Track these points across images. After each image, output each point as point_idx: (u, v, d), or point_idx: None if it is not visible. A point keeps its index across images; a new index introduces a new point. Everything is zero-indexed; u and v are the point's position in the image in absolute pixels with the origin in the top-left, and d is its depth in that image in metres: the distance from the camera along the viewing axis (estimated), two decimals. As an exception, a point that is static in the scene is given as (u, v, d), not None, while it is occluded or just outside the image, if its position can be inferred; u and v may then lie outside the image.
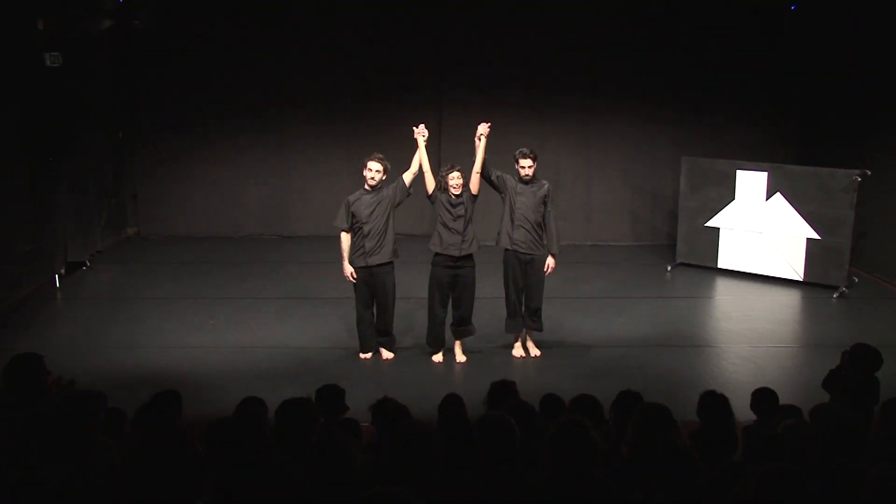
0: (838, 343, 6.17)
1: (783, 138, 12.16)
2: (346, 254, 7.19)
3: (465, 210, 7.09)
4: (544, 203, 7.25)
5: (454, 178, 7.01)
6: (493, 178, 7.23)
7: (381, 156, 7.19)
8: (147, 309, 8.85)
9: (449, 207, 7.06)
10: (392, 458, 3.35)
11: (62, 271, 9.89)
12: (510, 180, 7.26)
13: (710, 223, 10.66)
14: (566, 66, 12.00)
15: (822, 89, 11.57)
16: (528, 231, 7.22)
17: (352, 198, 7.20)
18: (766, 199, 10.17)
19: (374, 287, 7.25)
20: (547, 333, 7.81)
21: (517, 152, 7.26)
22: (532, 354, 7.53)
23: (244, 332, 8.10)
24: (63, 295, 9.47)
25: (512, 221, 7.22)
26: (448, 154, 12.22)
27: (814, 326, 8.72)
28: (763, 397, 4.80)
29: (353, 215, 7.14)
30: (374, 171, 7.10)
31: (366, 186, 7.18)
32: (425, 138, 7.18)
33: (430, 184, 7.11)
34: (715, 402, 4.22)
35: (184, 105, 12.10)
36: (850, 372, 5.09)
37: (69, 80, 9.87)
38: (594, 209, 12.49)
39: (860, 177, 9.46)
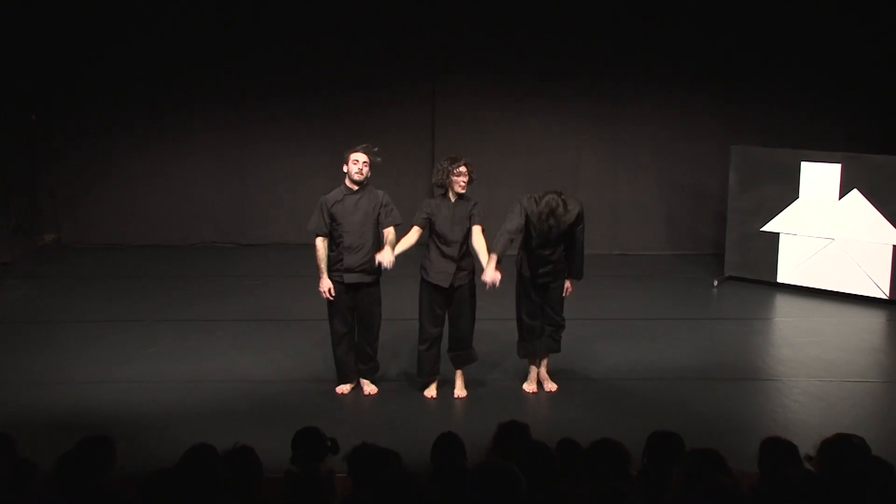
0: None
1: (860, 122, 12.14)
2: (323, 264, 7.17)
3: (463, 234, 7.10)
4: (573, 227, 7.19)
5: (462, 175, 7.01)
6: (511, 241, 7.10)
7: (372, 148, 7.13)
8: (69, 334, 8.80)
9: (444, 230, 7.07)
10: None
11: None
12: (528, 216, 7.07)
13: (768, 227, 10.66)
14: (585, 43, 12.04)
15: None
16: (554, 261, 7.24)
17: (330, 197, 7.16)
18: (839, 198, 10.17)
19: (355, 301, 7.26)
20: (566, 363, 7.80)
21: (543, 209, 6.88)
22: (547, 389, 7.52)
23: (193, 363, 8.05)
24: (-41, 317, 9.43)
25: (532, 256, 7.21)
26: (441, 150, 12.19)
27: (902, 356, 8.73)
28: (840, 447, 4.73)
29: (333, 218, 7.13)
30: (360, 162, 7.08)
31: (348, 183, 7.15)
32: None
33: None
34: (779, 451, 4.19)
35: (118, 83, 12.11)
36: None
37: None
38: (622, 211, 12.50)
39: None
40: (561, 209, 6.87)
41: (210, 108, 12.29)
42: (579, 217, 7.11)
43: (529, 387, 7.51)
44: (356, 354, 7.40)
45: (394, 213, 7.20)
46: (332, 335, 7.36)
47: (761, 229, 10.70)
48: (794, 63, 12.02)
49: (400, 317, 8.20)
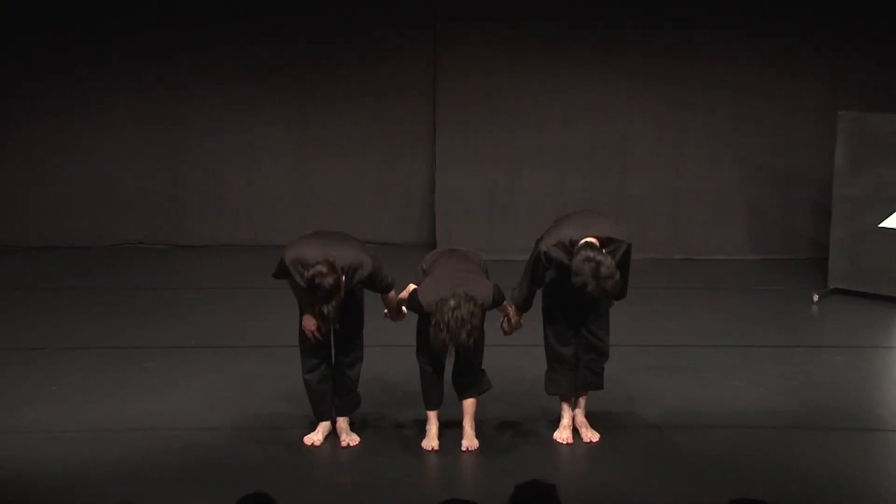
0: None
1: None
2: (302, 300, 7.22)
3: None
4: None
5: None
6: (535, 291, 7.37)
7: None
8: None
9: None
10: None
11: None
12: (560, 263, 7.13)
13: (888, 223, 10.67)
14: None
15: None
16: None
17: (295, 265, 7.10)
18: None
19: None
20: (611, 404, 7.81)
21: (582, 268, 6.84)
22: (586, 439, 7.50)
23: (110, 405, 8.05)
24: None
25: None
26: (445, 119, 12.24)
27: None
28: None
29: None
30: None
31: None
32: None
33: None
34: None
35: (11, 45, 12.17)
36: None
37: None
38: (688, 202, 12.57)
39: None
40: (605, 267, 6.76)
41: (133, 64, 12.35)
42: (626, 253, 7.08)
43: (562, 435, 7.48)
44: (333, 385, 7.42)
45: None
46: (304, 360, 7.36)
47: (879, 226, 10.70)
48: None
49: (388, 343, 8.22)
